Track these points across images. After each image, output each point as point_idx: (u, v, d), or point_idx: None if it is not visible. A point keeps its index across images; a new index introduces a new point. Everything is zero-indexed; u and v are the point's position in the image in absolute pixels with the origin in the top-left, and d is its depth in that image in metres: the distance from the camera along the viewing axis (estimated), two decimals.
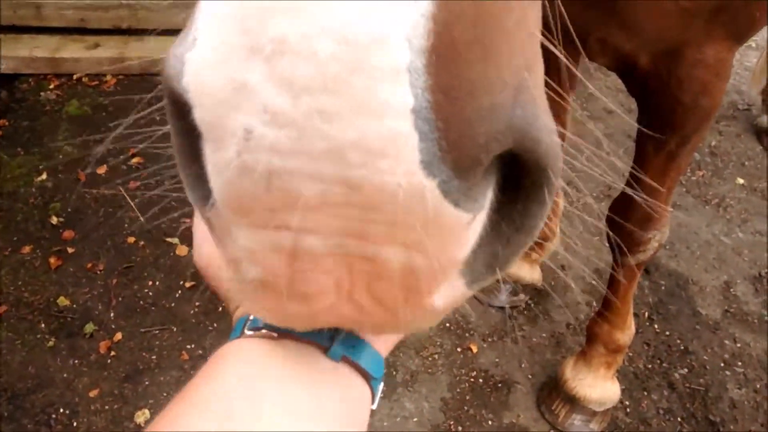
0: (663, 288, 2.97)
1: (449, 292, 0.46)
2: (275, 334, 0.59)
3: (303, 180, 0.38)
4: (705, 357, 2.71)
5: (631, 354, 2.68)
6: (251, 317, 0.61)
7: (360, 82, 0.36)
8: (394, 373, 2.55)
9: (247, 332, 0.60)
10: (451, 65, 0.36)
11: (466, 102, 0.37)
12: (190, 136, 0.42)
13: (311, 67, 0.36)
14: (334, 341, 0.60)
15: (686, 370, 2.66)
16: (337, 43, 0.35)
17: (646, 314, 2.85)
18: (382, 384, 0.66)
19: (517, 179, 0.43)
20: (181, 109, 0.41)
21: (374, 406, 0.64)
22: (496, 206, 0.44)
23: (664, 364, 2.68)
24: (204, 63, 0.39)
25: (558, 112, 2.21)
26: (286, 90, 0.36)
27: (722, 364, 2.68)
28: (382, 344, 0.65)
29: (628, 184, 1.96)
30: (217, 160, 0.40)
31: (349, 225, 0.40)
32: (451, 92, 0.37)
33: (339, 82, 0.36)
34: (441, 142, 0.37)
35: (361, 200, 0.38)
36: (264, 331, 0.59)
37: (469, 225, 0.41)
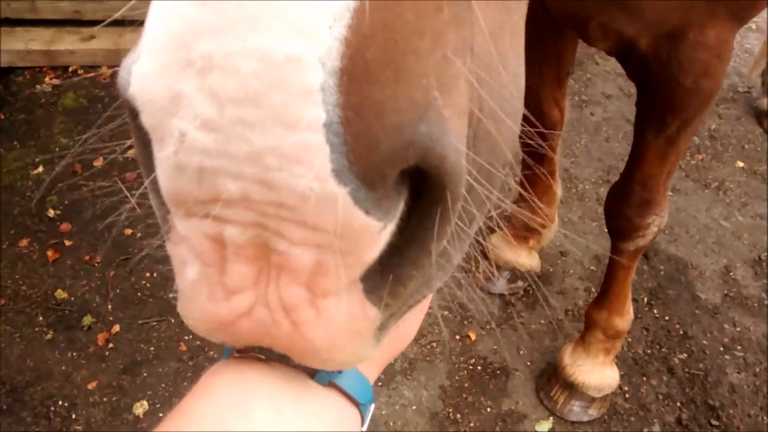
0: (662, 273, 2.96)
1: (350, 302, 0.49)
2: (263, 357, 0.61)
3: (227, 178, 0.43)
4: (704, 341, 2.70)
5: (630, 339, 2.67)
6: None
7: (278, 96, 0.40)
8: (393, 361, 2.55)
9: (237, 355, 0.62)
10: (362, 85, 0.40)
11: (374, 120, 0.41)
12: (148, 143, 0.46)
13: (235, 82, 0.40)
14: None
15: (685, 354, 2.65)
16: (258, 62, 0.39)
17: (646, 299, 2.84)
18: (372, 406, 0.68)
19: (418, 193, 0.46)
20: (137, 116, 0.46)
21: (364, 428, 0.66)
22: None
23: (664, 349, 2.67)
24: (146, 74, 0.44)
25: (556, 97, 2.20)
26: (214, 100, 0.41)
27: (722, 349, 2.68)
28: (371, 369, 0.67)
29: (626, 168, 1.95)
30: (160, 156, 0.45)
31: (266, 221, 0.44)
32: (361, 110, 0.40)
33: (259, 95, 0.40)
34: (349, 154, 0.41)
35: (276, 199, 0.42)
36: (253, 353, 0.61)
37: (379, 232, 0.45)
